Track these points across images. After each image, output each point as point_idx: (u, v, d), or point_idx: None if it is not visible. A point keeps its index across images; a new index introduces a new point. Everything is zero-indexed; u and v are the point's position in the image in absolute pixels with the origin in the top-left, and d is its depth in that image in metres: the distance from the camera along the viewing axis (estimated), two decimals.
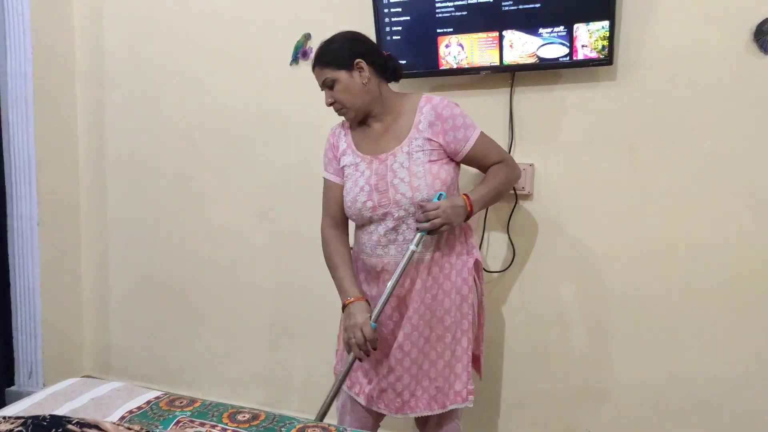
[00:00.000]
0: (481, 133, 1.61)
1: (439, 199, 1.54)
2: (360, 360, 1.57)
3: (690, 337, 1.82)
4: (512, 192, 1.94)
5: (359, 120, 1.64)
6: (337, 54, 1.57)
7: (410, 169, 1.55)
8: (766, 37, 1.66)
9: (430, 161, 1.56)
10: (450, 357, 1.61)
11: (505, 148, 1.95)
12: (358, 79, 1.57)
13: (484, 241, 2.03)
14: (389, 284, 1.54)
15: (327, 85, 1.59)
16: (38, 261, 2.51)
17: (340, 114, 1.64)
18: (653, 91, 1.79)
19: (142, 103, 2.52)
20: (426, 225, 1.50)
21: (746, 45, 1.68)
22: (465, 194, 1.59)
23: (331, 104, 1.61)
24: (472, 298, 1.64)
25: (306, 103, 2.22)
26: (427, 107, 1.58)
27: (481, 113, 1.97)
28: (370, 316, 1.54)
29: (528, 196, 1.95)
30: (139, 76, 2.52)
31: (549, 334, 2.00)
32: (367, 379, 1.68)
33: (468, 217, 1.57)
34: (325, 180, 1.71)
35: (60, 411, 1.34)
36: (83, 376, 2.54)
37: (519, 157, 1.95)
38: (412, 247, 1.52)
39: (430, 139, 1.57)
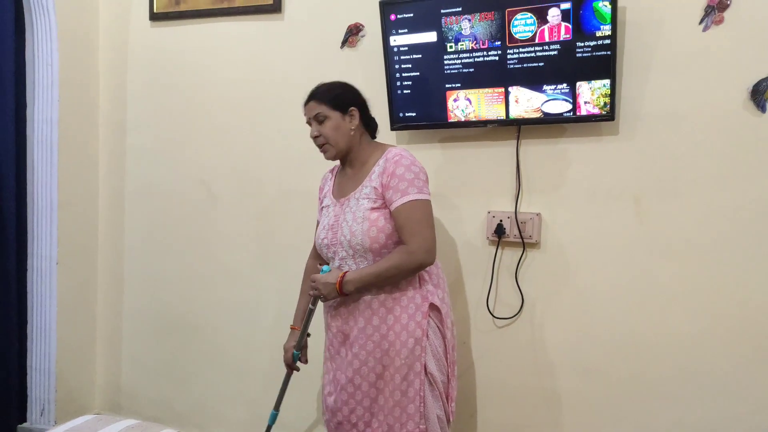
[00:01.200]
0: (409, 202, 1.61)
1: (325, 272, 1.72)
2: (289, 371, 1.95)
3: (696, 390, 1.83)
4: (520, 240, 1.99)
5: (338, 158, 1.78)
6: (337, 96, 1.73)
7: (354, 214, 1.69)
8: (762, 97, 1.73)
9: (372, 209, 1.66)
10: (401, 397, 1.66)
11: (512, 197, 2.01)
12: (347, 124, 1.73)
13: (493, 288, 2.07)
14: (300, 333, 1.88)
15: (317, 120, 1.72)
16: (55, 300, 2.56)
17: (321, 149, 1.76)
18: (654, 145, 1.85)
19: (160, 150, 2.62)
20: (310, 293, 1.76)
21: (743, 103, 1.75)
22: (344, 272, 1.67)
23: (315, 137, 1.74)
24: (425, 342, 1.66)
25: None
26: (381, 160, 1.70)
27: (489, 164, 2.05)
28: (296, 344, 1.88)
29: (535, 245, 2.00)
30: (158, 123, 2.62)
31: (557, 381, 2.01)
32: (329, 411, 1.79)
33: (338, 293, 1.67)
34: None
35: None
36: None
37: (526, 206, 2.00)
38: (310, 305, 1.83)
39: (375, 188, 1.67)
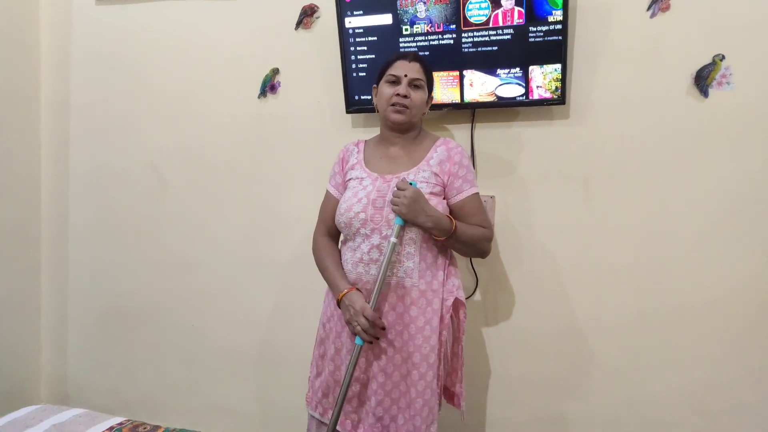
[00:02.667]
0: (477, 193, 1.67)
1: (414, 186, 1.56)
2: (370, 343, 1.58)
3: (645, 365, 1.90)
4: None
5: (402, 127, 1.69)
6: (431, 77, 1.74)
7: None
8: (705, 82, 1.79)
9: (431, 193, 1.62)
10: (430, 396, 1.59)
11: None
12: (426, 106, 1.73)
13: None
14: (380, 274, 1.55)
15: (414, 84, 1.67)
16: None
17: (398, 110, 1.65)
18: (603, 129, 1.90)
19: (107, 133, 2.52)
20: (393, 208, 1.55)
21: (688, 89, 1.81)
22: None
23: (403, 96, 1.64)
24: (446, 335, 1.63)
25: (273, 136, 2.28)
26: (442, 147, 1.68)
27: None
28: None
29: None
30: (105, 105, 2.52)
31: (509, 361, 2.05)
32: (349, 405, 1.66)
33: (439, 227, 1.56)
34: (327, 192, 1.79)
35: None
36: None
37: (481, 189, 2.02)
38: (392, 238, 1.55)
39: (436, 174, 1.64)
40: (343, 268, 1.67)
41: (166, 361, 2.52)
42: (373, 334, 1.55)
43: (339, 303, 1.62)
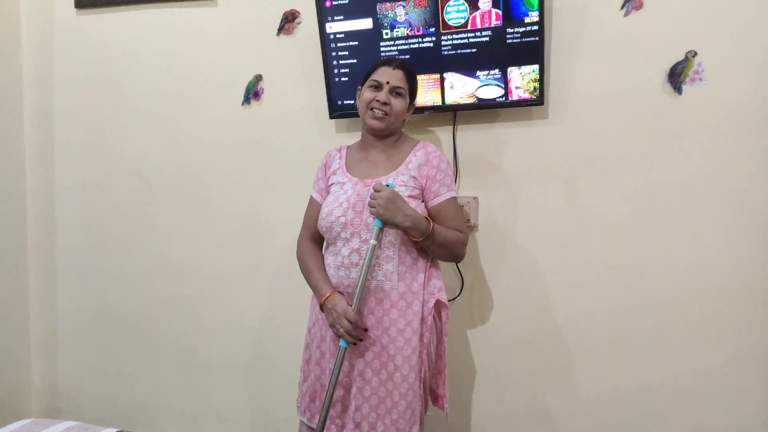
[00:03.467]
0: (455, 198, 1.69)
1: (390, 188, 1.58)
2: (354, 344, 1.59)
3: (632, 355, 1.94)
4: None
5: (381, 132, 1.71)
6: (415, 85, 1.76)
7: None
8: (678, 79, 1.83)
9: (410, 196, 1.63)
10: (413, 398, 1.60)
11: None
12: (407, 113, 1.75)
13: None
14: (361, 277, 1.57)
15: (395, 91, 1.68)
16: None
17: (378, 116, 1.67)
18: (582, 127, 1.93)
19: (92, 142, 2.52)
20: (371, 210, 1.57)
21: (662, 86, 1.85)
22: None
23: (383, 104, 1.66)
24: (428, 337, 1.64)
25: (258, 142, 2.30)
26: (421, 151, 1.70)
27: None
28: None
29: (473, 228, 2.05)
30: (89, 115, 2.52)
31: (497, 359, 2.08)
32: (334, 410, 1.67)
33: (417, 227, 1.57)
34: (311, 197, 1.82)
35: None
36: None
37: (463, 190, 2.05)
38: (372, 240, 1.57)
39: (415, 178, 1.66)
40: (326, 273, 1.69)
41: (159, 369, 2.52)
42: (356, 336, 1.57)
43: (322, 307, 1.64)
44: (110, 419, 2.57)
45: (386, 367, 1.61)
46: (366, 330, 1.60)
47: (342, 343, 1.59)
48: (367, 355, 1.62)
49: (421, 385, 1.64)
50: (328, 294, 1.62)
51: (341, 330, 1.57)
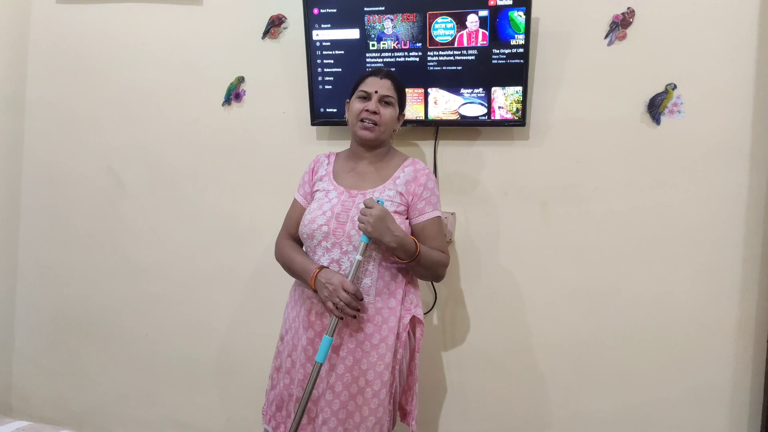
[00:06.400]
0: (439, 217, 1.68)
1: (382, 204, 1.57)
2: (353, 317, 1.54)
3: (596, 379, 1.95)
4: None
5: (371, 143, 1.69)
6: (403, 95, 1.76)
7: None
8: (657, 110, 1.86)
9: (395, 212, 1.61)
10: (383, 414, 1.58)
11: None
12: (396, 123, 1.74)
13: None
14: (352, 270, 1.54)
15: (384, 100, 1.68)
16: None
17: (367, 126, 1.66)
18: (561, 151, 1.95)
19: (64, 133, 2.46)
20: (360, 226, 1.53)
21: (641, 116, 1.88)
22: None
23: (372, 113, 1.65)
24: (402, 353, 1.62)
25: (236, 144, 2.26)
26: (410, 168, 1.69)
27: None
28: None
29: (449, 243, 2.05)
30: (62, 106, 2.45)
31: (465, 376, 2.07)
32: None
33: (404, 249, 1.54)
34: (294, 200, 1.79)
35: None
36: None
37: (441, 205, 2.04)
38: (358, 256, 1.54)
39: (401, 194, 1.65)
40: (309, 257, 1.65)
41: (119, 371, 2.45)
42: (355, 307, 1.52)
43: (314, 285, 1.57)
44: (64, 420, 2.49)
45: (357, 382, 1.59)
46: (362, 299, 1.55)
47: (318, 358, 1.54)
48: (339, 368, 1.59)
49: (391, 401, 1.63)
50: (317, 269, 1.58)
51: (340, 303, 1.51)
